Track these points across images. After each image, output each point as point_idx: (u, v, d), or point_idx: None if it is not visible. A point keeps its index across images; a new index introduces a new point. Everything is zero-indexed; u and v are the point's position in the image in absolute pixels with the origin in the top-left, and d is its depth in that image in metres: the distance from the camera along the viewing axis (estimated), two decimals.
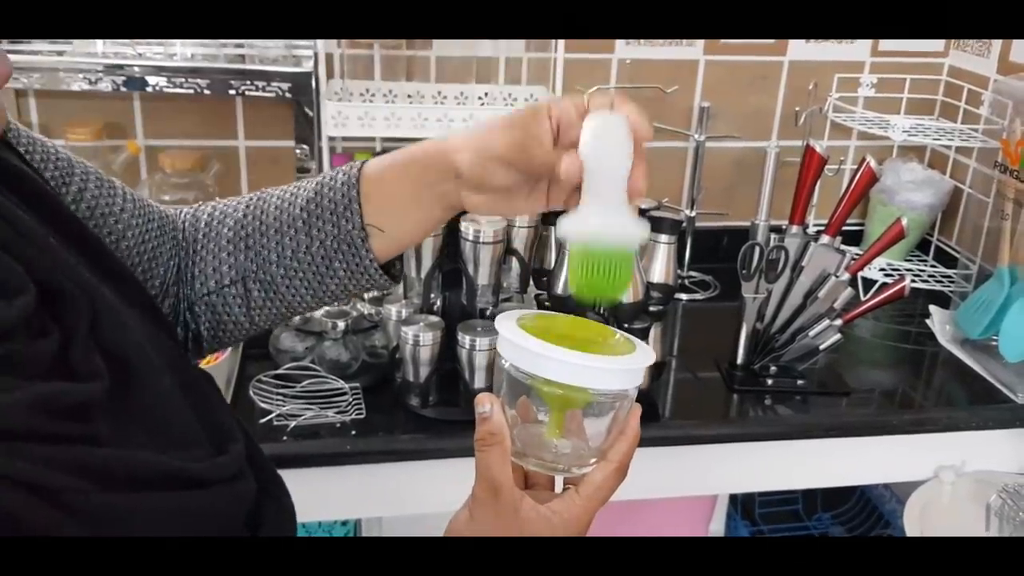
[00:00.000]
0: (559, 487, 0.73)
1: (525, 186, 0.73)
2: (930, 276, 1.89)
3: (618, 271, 0.66)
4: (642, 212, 1.50)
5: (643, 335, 1.38)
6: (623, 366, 0.67)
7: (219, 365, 1.36)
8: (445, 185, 0.74)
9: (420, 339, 1.31)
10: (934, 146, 1.96)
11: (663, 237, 1.45)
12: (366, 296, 1.48)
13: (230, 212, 0.83)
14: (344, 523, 1.77)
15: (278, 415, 1.31)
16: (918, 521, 1.41)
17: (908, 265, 1.93)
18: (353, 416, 1.33)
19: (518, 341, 0.66)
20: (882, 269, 1.88)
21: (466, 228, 1.30)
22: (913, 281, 1.54)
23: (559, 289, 1.39)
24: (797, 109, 1.87)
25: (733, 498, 2.12)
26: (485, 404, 0.67)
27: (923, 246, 1.98)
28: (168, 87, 1.52)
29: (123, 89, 1.53)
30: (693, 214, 1.88)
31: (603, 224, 0.66)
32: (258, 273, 0.80)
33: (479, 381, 1.32)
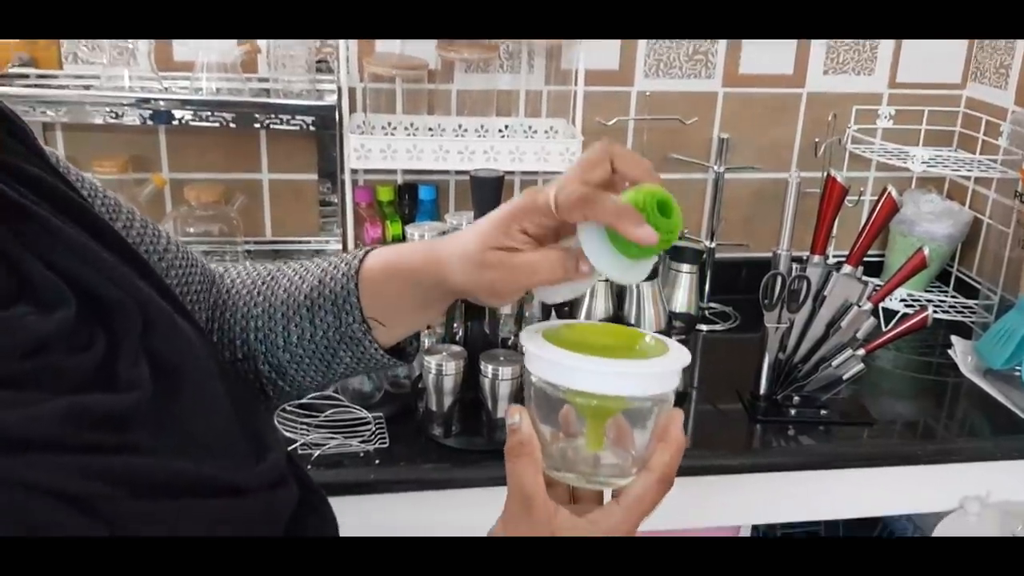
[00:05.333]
0: (607, 502, 0.70)
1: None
2: (951, 307, 1.89)
3: None
4: None
5: None
6: (655, 369, 0.65)
7: None
8: (440, 289, 0.73)
9: (443, 368, 1.32)
10: (953, 177, 1.97)
11: (684, 267, 1.46)
12: None
13: (248, 284, 0.84)
14: None
15: (302, 444, 1.32)
16: None
17: (929, 296, 1.93)
18: (376, 445, 1.34)
19: (544, 354, 0.64)
20: (903, 300, 1.88)
21: None
22: (934, 312, 1.53)
23: (580, 318, 1.39)
24: (816, 140, 1.88)
25: (755, 531, 2.10)
26: (514, 415, 0.66)
27: (943, 277, 1.98)
28: (194, 120, 1.54)
29: (149, 123, 1.55)
30: (713, 245, 1.89)
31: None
32: (267, 356, 0.81)
33: (502, 411, 1.32)
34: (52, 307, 0.53)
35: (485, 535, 0.69)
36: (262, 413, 0.69)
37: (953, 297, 1.93)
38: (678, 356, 0.67)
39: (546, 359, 0.64)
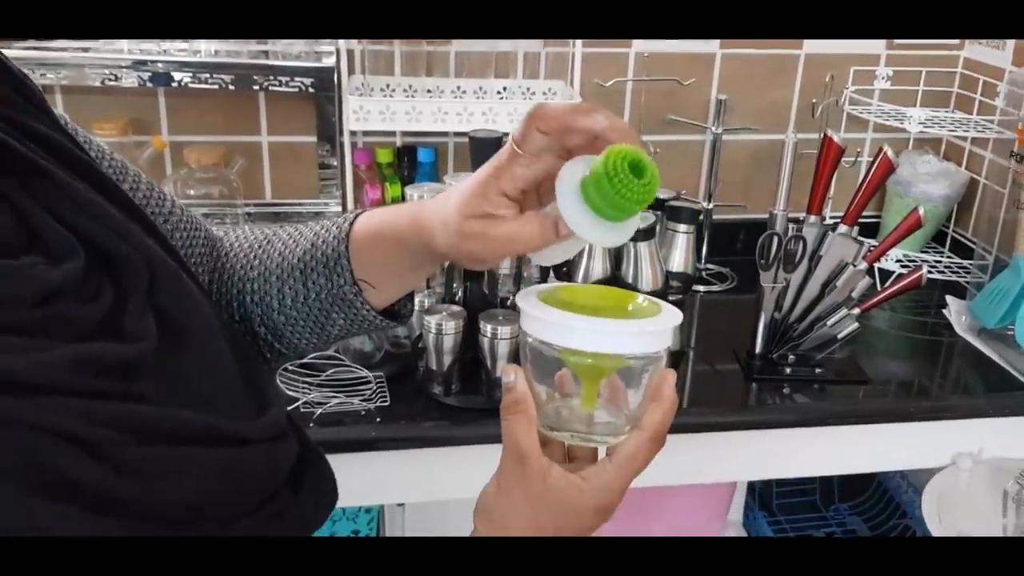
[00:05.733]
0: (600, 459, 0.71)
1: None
2: (946, 267, 1.90)
3: None
4: (661, 202, 1.52)
5: None
6: (648, 328, 0.66)
7: None
8: (426, 251, 0.73)
9: (443, 328, 1.33)
10: (949, 138, 1.97)
11: (682, 227, 1.47)
12: None
13: (245, 248, 0.85)
14: (368, 511, 1.79)
15: (304, 403, 1.34)
16: (935, 507, 1.43)
17: (924, 256, 1.94)
18: (377, 404, 1.36)
19: (538, 314, 0.65)
20: (898, 260, 1.89)
21: None
22: (929, 272, 1.55)
23: (578, 280, 1.41)
24: (814, 101, 1.88)
25: (751, 489, 2.13)
26: (510, 374, 0.67)
27: (939, 238, 1.99)
28: (193, 83, 1.55)
29: (148, 85, 1.55)
30: (710, 206, 1.90)
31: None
32: (263, 318, 0.82)
33: (501, 370, 1.34)
34: (61, 258, 0.54)
35: (474, 501, 0.70)
36: (264, 372, 0.70)
37: (948, 257, 1.94)
38: (670, 316, 0.68)
39: (541, 319, 0.65)
